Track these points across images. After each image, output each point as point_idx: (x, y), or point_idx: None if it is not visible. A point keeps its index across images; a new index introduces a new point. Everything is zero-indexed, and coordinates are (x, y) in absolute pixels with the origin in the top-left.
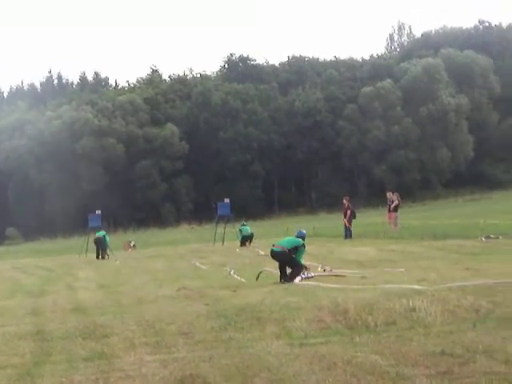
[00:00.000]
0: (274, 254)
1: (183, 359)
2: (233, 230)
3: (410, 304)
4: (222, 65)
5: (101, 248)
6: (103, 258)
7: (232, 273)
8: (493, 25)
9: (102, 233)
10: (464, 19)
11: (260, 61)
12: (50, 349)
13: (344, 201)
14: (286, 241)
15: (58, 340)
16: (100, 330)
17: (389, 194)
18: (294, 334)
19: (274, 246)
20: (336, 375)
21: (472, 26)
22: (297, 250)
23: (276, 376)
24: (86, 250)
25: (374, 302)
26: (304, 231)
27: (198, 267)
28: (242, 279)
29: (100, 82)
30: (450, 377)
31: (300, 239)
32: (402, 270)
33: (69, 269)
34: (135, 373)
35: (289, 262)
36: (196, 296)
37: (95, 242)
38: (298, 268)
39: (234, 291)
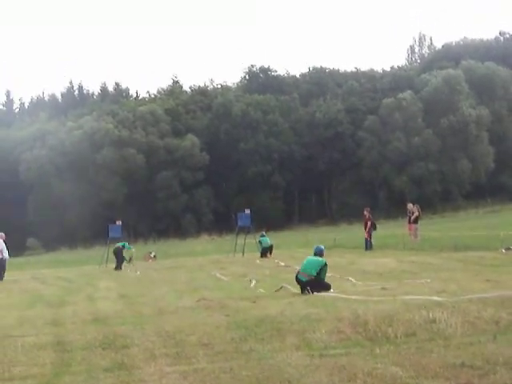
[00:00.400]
0: (302, 284)
1: (203, 370)
2: (253, 241)
3: (430, 315)
4: (243, 76)
5: (117, 259)
6: (117, 268)
7: (253, 284)
8: None
9: (122, 243)
10: (485, 31)
11: (281, 72)
12: (69, 359)
13: (365, 212)
14: (309, 265)
15: (78, 350)
16: (120, 341)
17: (409, 206)
18: (314, 345)
19: (299, 273)
20: None
21: (493, 37)
22: (321, 270)
23: None
24: (107, 260)
25: (394, 313)
26: (322, 247)
27: (219, 278)
28: (262, 290)
29: (121, 93)
30: None
31: (321, 258)
32: (428, 280)
33: (89, 279)
34: None
35: (316, 287)
36: (216, 307)
37: (114, 253)
38: (326, 289)
39: (254, 302)
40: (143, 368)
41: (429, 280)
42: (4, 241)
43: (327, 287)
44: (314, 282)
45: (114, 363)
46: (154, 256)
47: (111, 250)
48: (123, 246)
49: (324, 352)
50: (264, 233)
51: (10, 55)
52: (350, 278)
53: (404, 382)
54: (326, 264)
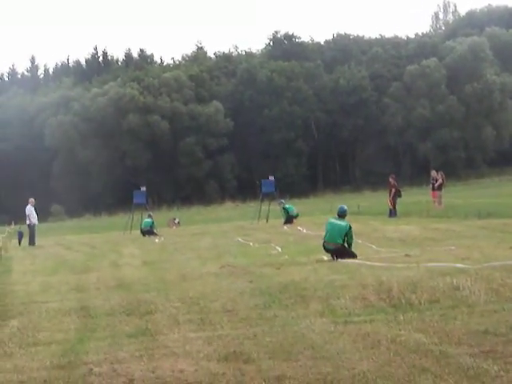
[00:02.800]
0: (330, 252)
1: (227, 336)
2: (277, 207)
3: (454, 282)
4: (267, 42)
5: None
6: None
7: (277, 250)
8: None
9: (148, 222)
10: None
11: (305, 38)
12: (93, 325)
13: (390, 179)
14: (334, 232)
15: (102, 316)
16: (144, 307)
17: (433, 173)
18: (338, 311)
19: (325, 242)
20: (380, 353)
21: None
22: (347, 235)
23: (320, 354)
24: (131, 226)
25: (417, 280)
26: (345, 207)
27: (243, 244)
28: (287, 256)
29: (145, 59)
30: (494, 356)
31: (344, 222)
32: (452, 247)
33: (113, 245)
34: (179, 350)
35: (344, 254)
36: (240, 273)
37: (143, 233)
38: (352, 257)
39: (278, 268)
40: (167, 334)
41: (453, 247)
42: (34, 206)
43: (353, 256)
44: (341, 250)
45: (138, 329)
46: (178, 222)
47: (136, 217)
48: (151, 226)
49: (348, 319)
50: (283, 200)
51: (35, 21)
52: (373, 246)
53: (427, 348)
54: (350, 228)
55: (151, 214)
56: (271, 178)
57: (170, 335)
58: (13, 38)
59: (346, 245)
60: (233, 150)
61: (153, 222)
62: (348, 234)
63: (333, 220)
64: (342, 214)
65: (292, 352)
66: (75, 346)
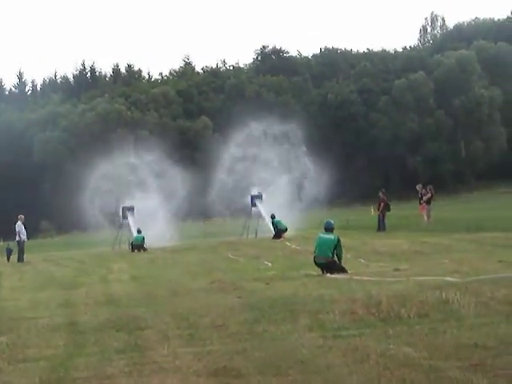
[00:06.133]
0: (321, 266)
1: (217, 352)
2: (266, 222)
3: (443, 296)
4: (255, 57)
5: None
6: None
7: (266, 265)
8: None
9: (140, 237)
10: (496, 11)
11: (293, 53)
12: (83, 341)
13: (380, 194)
14: (323, 245)
15: (91, 332)
16: (133, 323)
17: (418, 187)
18: (328, 326)
19: (315, 257)
20: (369, 367)
21: (505, 17)
22: (336, 248)
23: (309, 368)
24: (119, 241)
25: (407, 294)
26: (331, 221)
27: (232, 259)
28: (275, 271)
29: (133, 75)
30: (483, 369)
31: (333, 235)
32: (443, 261)
33: (102, 261)
34: (169, 365)
35: (335, 269)
36: (229, 288)
37: (133, 248)
38: (343, 271)
39: (268, 283)
40: (157, 349)
41: (446, 260)
42: (23, 223)
43: (343, 270)
44: (331, 264)
45: (127, 345)
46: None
47: (123, 232)
48: (142, 240)
49: (337, 333)
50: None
51: (22, 36)
52: (362, 260)
53: (417, 362)
54: (338, 240)
55: (140, 229)
56: (260, 193)
57: (159, 351)
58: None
59: (336, 258)
60: None
61: (143, 238)
62: (337, 246)
63: (322, 235)
64: (328, 228)
65: (282, 367)
66: (64, 361)
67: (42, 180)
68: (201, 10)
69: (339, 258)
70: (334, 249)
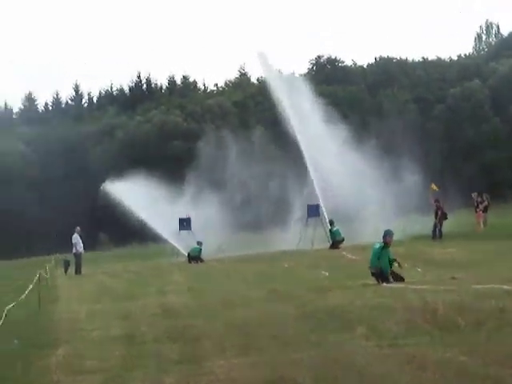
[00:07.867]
0: (373, 275)
1: (273, 362)
2: (323, 232)
3: (500, 305)
4: (310, 67)
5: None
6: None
7: (324, 275)
8: None
9: (197, 248)
10: None
11: (348, 62)
12: (140, 352)
13: (436, 202)
14: (373, 255)
15: (148, 343)
16: (190, 333)
17: (473, 195)
18: (384, 335)
19: (369, 266)
20: (426, 376)
21: None
22: (381, 256)
23: (366, 378)
24: (177, 253)
25: (463, 302)
26: (389, 229)
27: (289, 268)
28: (332, 281)
29: (188, 86)
30: None
31: (378, 243)
32: (502, 269)
33: (159, 272)
34: (225, 376)
35: (389, 277)
36: (286, 298)
37: (190, 259)
38: (396, 279)
39: (324, 293)
40: (213, 360)
41: (500, 269)
42: (80, 235)
43: (401, 279)
44: (384, 273)
45: (184, 356)
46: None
47: (182, 243)
48: (199, 252)
49: (393, 342)
50: (333, 221)
51: (79, 49)
52: (419, 269)
53: (473, 371)
54: (380, 247)
55: (200, 241)
56: (317, 202)
57: (215, 361)
58: (57, 66)
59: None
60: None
61: (201, 249)
62: (381, 254)
63: (374, 244)
64: (383, 235)
65: (338, 376)
66: (121, 373)
67: (99, 192)
68: (255, 20)
69: (386, 267)
70: (379, 256)
